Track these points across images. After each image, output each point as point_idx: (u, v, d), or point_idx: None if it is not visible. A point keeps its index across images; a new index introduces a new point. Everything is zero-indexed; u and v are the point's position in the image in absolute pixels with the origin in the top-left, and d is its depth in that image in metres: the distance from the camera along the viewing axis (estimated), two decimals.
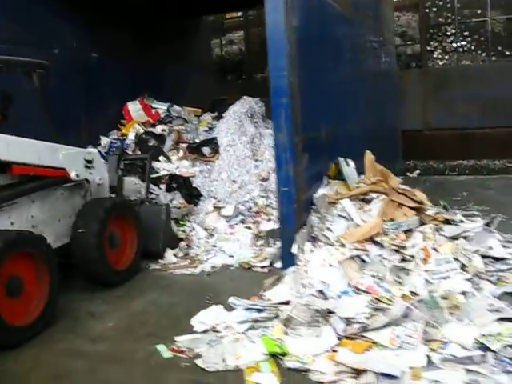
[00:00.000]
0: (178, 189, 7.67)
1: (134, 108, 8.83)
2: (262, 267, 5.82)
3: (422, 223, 5.37)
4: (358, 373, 3.60)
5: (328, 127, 5.84)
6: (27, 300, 4.60)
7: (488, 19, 12.82)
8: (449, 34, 13.16)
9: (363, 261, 4.83)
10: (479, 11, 12.88)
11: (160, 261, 6.40)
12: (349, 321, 4.07)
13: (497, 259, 5.33)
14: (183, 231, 6.98)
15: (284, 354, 3.89)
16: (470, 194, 9.18)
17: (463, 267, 4.92)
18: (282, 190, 5.04)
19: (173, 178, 7.77)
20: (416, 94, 12.95)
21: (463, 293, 4.59)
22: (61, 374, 3.97)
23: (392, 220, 5.15)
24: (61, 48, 7.82)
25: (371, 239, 4.98)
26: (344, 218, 5.28)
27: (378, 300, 4.25)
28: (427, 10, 13.29)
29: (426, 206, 5.57)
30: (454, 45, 13.16)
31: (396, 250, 4.89)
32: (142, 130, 8.52)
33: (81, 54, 8.29)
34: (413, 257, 4.89)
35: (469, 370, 3.56)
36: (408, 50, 13.69)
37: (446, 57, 13.27)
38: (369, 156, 6.06)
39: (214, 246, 6.66)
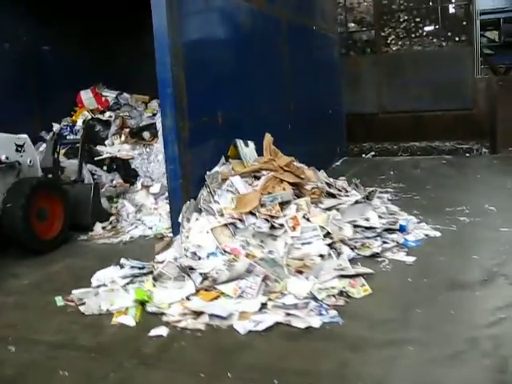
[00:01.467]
0: (117, 170, 8.64)
1: (86, 96, 9.78)
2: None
3: (300, 197, 6.25)
4: (197, 315, 4.54)
5: (227, 112, 6.72)
6: None
7: (438, 5, 13.52)
8: (401, 20, 13.88)
9: (237, 228, 5.72)
10: None
11: (89, 233, 7.35)
12: (205, 276, 4.99)
13: (368, 228, 6.25)
14: (116, 207, 7.92)
15: (149, 302, 4.83)
16: (398, 173, 10.06)
17: (328, 234, 5.81)
18: (169, 168, 5.99)
19: (113, 160, 8.72)
20: (371, 78, 13.77)
21: (321, 255, 5.51)
22: None
23: (270, 193, 6.03)
24: (12, 42, 8.76)
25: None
26: (232, 192, 6.18)
27: (235, 259, 5.16)
28: None
29: (306, 182, 6.43)
30: (406, 31, 13.87)
31: (267, 220, 5.77)
32: (89, 117, 9.45)
33: (32, 47, 9.22)
34: (282, 225, 5.78)
35: (288, 314, 4.47)
36: (364, 36, 14.42)
37: (400, 42, 14.00)
38: (267, 138, 6.95)
39: (139, 219, 7.58)
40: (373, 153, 13.60)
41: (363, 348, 3.93)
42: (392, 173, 10.17)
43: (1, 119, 7.26)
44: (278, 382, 3.52)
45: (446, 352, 3.75)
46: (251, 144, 6.94)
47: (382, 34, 14.03)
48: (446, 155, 12.50)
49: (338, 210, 6.31)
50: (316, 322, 4.34)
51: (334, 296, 4.75)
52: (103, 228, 7.49)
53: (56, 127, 9.40)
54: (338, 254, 5.61)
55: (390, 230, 6.29)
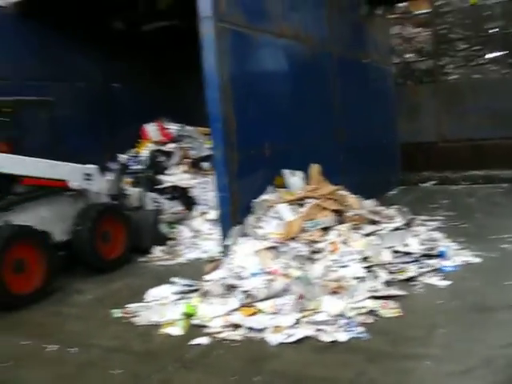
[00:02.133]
0: (178, 198, 9.40)
1: (151, 129, 10.66)
2: None
3: (341, 223, 6.71)
4: (236, 327, 5.09)
5: (275, 144, 7.31)
6: (29, 275, 6.40)
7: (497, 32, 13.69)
8: (460, 48, 14.12)
9: (279, 251, 6.25)
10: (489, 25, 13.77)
11: (148, 255, 8.08)
12: (247, 293, 5.54)
13: (407, 254, 6.62)
14: (174, 232, 8.63)
15: (194, 315, 5.42)
16: (451, 202, 10.30)
17: (366, 258, 6.24)
18: (219, 196, 6.61)
19: (175, 188, 9.49)
20: (430, 107, 14.04)
21: (357, 278, 5.94)
22: (40, 324, 5.76)
23: (312, 220, 6.54)
24: (85, 81, 9.81)
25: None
26: (277, 218, 6.73)
27: (273, 280, 5.68)
28: (438, 27, 14.30)
29: (348, 209, 6.89)
30: (465, 59, 14.07)
31: (308, 244, 6.28)
32: (153, 148, 10.31)
33: (103, 85, 10.24)
34: (322, 249, 6.27)
35: (318, 329, 4.94)
36: (422, 66, 14.71)
37: (458, 71, 14.21)
38: (314, 168, 7.48)
39: (195, 244, 8.25)
40: (432, 181, 13.74)
41: (382, 360, 4.34)
42: (445, 201, 10.41)
43: (74, 150, 8.18)
44: None
45: (461, 368, 4.10)
46: (299, 174, 7.49)
47: (440, 63, 14.30)
48: (505, 183, 12.53)
49: (377, 235, 6.70)
50: (343, 336, 4.79)
51: (363, 314, 5.17)
52: (162, 251, 8.19)
53: (122, 158, 10.28)
54: (375, 277, 6.01)
55: (428, 256, 6.62)
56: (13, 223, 6.62)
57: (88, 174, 7.65)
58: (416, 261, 6.47)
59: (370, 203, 8.30)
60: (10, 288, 6.16)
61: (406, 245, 6.78)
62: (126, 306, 5.91)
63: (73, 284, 7.08)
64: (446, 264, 6.50)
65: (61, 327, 5.69)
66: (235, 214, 6.57)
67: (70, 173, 7.40)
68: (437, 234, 7.58)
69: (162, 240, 8.37)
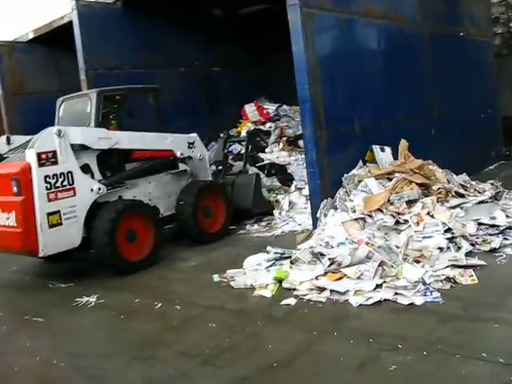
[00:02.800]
0: (275, 174, 10.04)
1: (250, 109, 11.37)
2: None
3: (427, 196, 7.04)
4: (321, 290, 5.64)
5: (364, 121, 7.72)
6: (140, 244, 7.30)
7: None
8: None
9: (366, 222, 6.71)
10: None
11: (247, 227, 8.79)
12: (333, 260, 6.07)
13: (492, 226, 6.84)
14: (275, 199, 9.34)
15: (284, 280, 6.04)
16: None
17: (449, 230, 6.55)
18: (308, 171, 7.15)
19: (272, 165, 10.13)
20: None
21: (439, 248, 6.29)
22: (149, 285, 6.64)
23: (398, 193, 6.92)
24: (186, 67, 10.63)
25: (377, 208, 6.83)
26: (365, 192, 7.18)
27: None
28: None
29: (434, 183, 7.18)
30: None
31: (393, 216, 6.68)
32: (252, 128, 11.00)
33: (203, 69, 11.04)
34: (406, 221, 6.65)
35: (396, 293, 5.39)
36: None
37: None
38: (402, 143, 7.82)
39: (291, 217, 8.85)
40: None
41: (453, 322, 4.73)
42: None
43: (178, 131, 8.99)
44: (372, 340, 4.49)
45: None
46: (387, 149, 7.85)
47: None
48: None
49: (463, 208, 6.96)
50: (419, 300, 5.20)
51: (441, 281, 5.54)
52: (258, 224, 8.87)
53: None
54: (457, 248, 6.32)
55: None
56: (125, 198, 7.54)
57: (191, 143, 8.45)
58: (501, 233, 6.65)
59: (461, 177, 8.51)
60: (124, 255, 7.07)
61: (493, 217, 6.97)
62: (224, 271, 6.62)
63: (178, 253, 7.94)
64: None
65: (167, 288, 6.54)
66: (325, 187, 7.09)
67: (176, 142, 8.26)
68: None
69: (264, 204, 9.06)
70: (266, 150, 10.56)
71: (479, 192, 7.85)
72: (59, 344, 5.42)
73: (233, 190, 9.03)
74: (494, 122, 12.20)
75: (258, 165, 10.22)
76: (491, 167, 11.96)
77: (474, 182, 8.68)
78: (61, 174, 6.69)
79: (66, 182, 6.73)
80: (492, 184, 8.50)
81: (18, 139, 7.55)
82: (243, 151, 10.06)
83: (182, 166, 8.49)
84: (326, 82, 7.07)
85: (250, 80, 11.43)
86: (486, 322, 4.65)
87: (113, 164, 7.64)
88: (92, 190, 7.05)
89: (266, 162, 10.29)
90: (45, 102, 8.66)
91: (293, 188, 9.60)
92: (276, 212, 9.16)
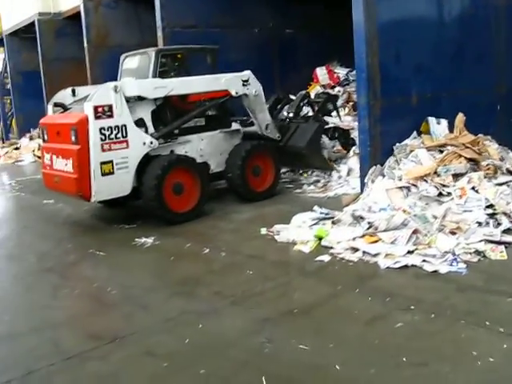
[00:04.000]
0: (338, 138, 10.39)
1: (320, 72, 11.69)
2: None
3: (476, 171, 7.25)
4: (355, 251, 6.10)
5: (422, 93, 7.92)
6: (187, 197, 7.96)
7: None
8: None
9: (410, 191, 7.05)
10: None
11: (303, 187, 9.30)
12: (371, 224, 6.49)
13: None
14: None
15: (324, 238, 6.53)
16: None
17: (492, 206, 6.77)
18: (360, 137, 7.51)
19: (336, 129, 10.47)
20: None
21: (478, 223, 6.55)
22: (201, 233, 7.34)
23: (445, 165, 7.18)
24: (260, 27, 11.06)
25: (423, 178, 7.13)
26: (415, 162, 7.47)
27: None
28: None
29: (484, 158, 7.36)
30: None
31: (437, 188, 6.98)
32: (321, 91, 11.33)
33: (276, 31, 11.42)
34: (450, 193, 6.93)
35: (424, 260, 5.77)
36: None
37: None
38: (459, 117, 7.97)
39: (346, 181, 9.26)
40: None
41: (470, 291, 5.08)
42: None
43: None
44: (389, 300, 4.94)
45: None
46: (444, 122, 8.05)
47: None
48: None
49: (508, 186, 7.12)
50: (444, 269, 5.56)
51: (470, 254, 5.85)
52: (315, 185, 9.35)
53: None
54: (498, 224, 6.54)
55: None
56: (176, 153, 8.22)
57: (245, 80, 8.85)
58: None
59: None
60: (170, 206, 7.76)
61: None
62: (272, 226, 7.17)
63: (233, 206, 8.61)
64: None
65: (216, 237, 7.20)
66: (375, 155, 7.44)
67: (230, 81, 8.69)
68: None
69: (321, 158, 9.51)
70: (332, 114, 10.86)
71: None
72: (115, 275, 6.21)
73: (294, 134, 9.41)
74: None
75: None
76: None
77: None
78: (115, 126, 7.40)
79: (119, 135, 7.44)
80: None
81: (82, 91, 8.26)
82: (310, 114, 10.50)
83: (234, 126, 9.02)
84: (384, 53, 7.33)
85: (324, 43, 11.72)
86: (500, 295, 4.96)
87: (167, 119, 8.25)
88: (144, 143, 7.73)
89: (330, 125, 10.62)
90: None
91: (351, 153, 9.94)
92: (334, 173, 9.54)
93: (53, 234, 8.20)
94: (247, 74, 8.97)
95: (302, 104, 10.23)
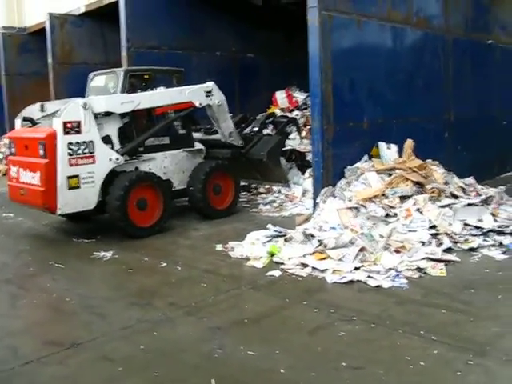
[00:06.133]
0: (295, 160, 10.88)
1: (280, 96, 12.21)
2: None
3: (422, 194, 7.77)
4: (304, 266, 6.51)
5: (374, 119, 8.47)
6: (150, 212, 8.30)
7: None
8: None
9: (359, 211, 7.51)
10: None
11: (259, 207, 9.71)
12: (320, 242, 6.91)
13: (477, 228, 7.54)
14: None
15: (276, 255, 6.92)
16: None
17: (435, 227, 7.28)
18: (314, 160, 7.98)
19: (292, 152, 10.96)
20: None
21: (422, 242, 7.04)
22: (159, 248, 7.63)
23: (393, 188, 7.68)
24: (222, 51, 11.53)
25: (372, 199, 7.61)
26: (364, 184, 7.96)
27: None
28: None
29: (429, 182, 7.90)
30: None
31: (385, 208, 7.46)
32: (279, 114, 11.84)
33: (238, 55, 11.92)
34: (396, 214, 7.42)
35: (369, 276, 6.20)
36: None
37: None
38: (408, 143, 8.54)
39: (301, 201, 9.70)
40: None
41: (408, 304, 5.52)
42: None
43: None
44: (333, 311, 5.35)
45: (469, 317, 5.15)
46: (393, 147, 8.59)
47: None
48: None
49: (452, 208, 7.66)
50: (386, 284, 6.01)
51: (412, 270, 6.32)
52: (271, 205, 9.77)
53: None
54: (440, 244, 7.05)
55: (500, 233, 7.46)
56: (140, 170, 8.59)
57: (208, 91, 9.26)
58: (484, 235, 7.35)
59: (467, 180, 9.20)
60: (133, 220, 8.09)
61: (481, 220, 7.66)
62: (227, 242, 7.54)
63: (192, 223, 8.95)
64: None
65: (174, 252, 7.54)
66: (327, 176, 7.92)
67: (194, 93, 9.09)
68: None
69: (280, 172, 9.98)
70: (290, 137, 11.36)
71: (480, 195, 8.50)
72: (73, 286, 6.45)
73: (257, 144, 9.92)
74: None
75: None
76: (509, 174, 12.48)
77: (479, 186, 9.35)
78: (83, 142, 7.72)
79: (86, 150, 7.77)
80: (498, 190, 9.16)
81: (51, 107, 8.56)
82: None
83: (197, 145, 9.42)
84: (338, 80, 7.85)
85: (283, 68, 12.28)
86: (435, 307, 5.42)
87: (133, 137, 8.59)
88: (110, 159, 8.06)
89: (287, 147, 11.10)
90: (89, 73, 9.66)
91: (307, 175, 10.41)
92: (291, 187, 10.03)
93: (12, 246, 8.39)
94: (210, 85, 9.38)
95: (266, 121, 10.72)
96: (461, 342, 4.62)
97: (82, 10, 14.10)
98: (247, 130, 10.70)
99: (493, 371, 4.18)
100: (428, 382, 4.07)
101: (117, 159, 8.11)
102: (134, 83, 8.86)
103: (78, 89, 9.77)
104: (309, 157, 10.98)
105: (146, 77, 9.00)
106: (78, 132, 7.71)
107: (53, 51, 13.74)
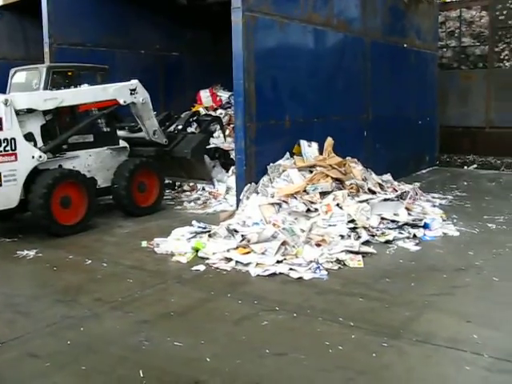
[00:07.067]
0: (219, 158, 11.07)
1: (204, 95, 12.39)
2: None
3: (341, 190, 8.15)
4: (228, 261, 6.71)
5: (295, 118, 8.79)
6: (74, 210, 8.29)
7: None
8: None
9: (281, 207, 7.79)
10: None
11: (184, 204, 9.85)
12: (244, 237, 7.13)
13: (393, 221, 7.98)
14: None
15: (201, 250, 7.08)
16: (470, 184, 11.46)
17: (354, 221, 7.66)
18: (237, 157, 8.21)
19: (217, 149, 11.16)
20: (480, 93, 14.89)
21: (341, 236, 7.39)
22: (84, 246, 7.63)
23: (313, 184, 8.01)
24: (146, 49, 11.58)
25: (293, 195, 7.91)
26: (286, 181, 8.25)
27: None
28: (498, 13, 14.99)
29: (348, 178, 8.29)
30: None
31: (306, 204, 7.78)
32: (203, 112, 12.01)
33: (163, 53, 12.01)
34: (317, 209, 7.75)
35: (291, 269, 6.48)
36: (477, 51, 15.47)
37: None
38: (328, 141, 8.91)
39: (225, 198, 9.91)
40: (475, 165, 14.69)
41: (327, 294, 5.83)
42: (465, 183, 11.55)
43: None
44: (256, 302, 5.58)
45: (385, 305, 5.52)
46: (314, 145, 8.94)
47: (496, 49, 15.02)
48: None
49: (369, 203, 8.07)
50: (307, 275, 6.30)
51: (332, 262, 6.65)
52: (195, 202, 9.93)
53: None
54: (358, 237, 7.43)
55: (414, 226, 7.94)
56: (63, 167, 8.54)
57: (133, 89, 9.30)
58: (399, 228, 7.80)
59: (385, 177, 9.69)
60: (57, 218, 8.05)
61: (396, 214, 8.11)
62: (152, 239, 7.64)
63: (117, 221, 8.99)
64: (427, 234, 7.80)
65: (99, 249, 7.56)
66: (250, 173, 8.16)
67: (118, 91, 9.10)
68: (433, 209, 8.86)
69: (204, 170, 10.15)
70: (214, 135, 11.55)
71: (396, 191, 8.99)
72: None
73: (181, 142, 10.06)
74: (432, 129, 13.42)
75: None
76: (424, 171, 13.20)
77: (396, 183, 9.88)
78: (4, 139, 7.62)
79: (8, 148, 7.66)
80: (413, 186, 9.71)
81: None
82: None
83: (122, 143, 9.47)
84: (260, 79, 8.11)
85: (208, 67, 12.46)
86: (353, 296, 5.75)
87: (56, 134, 8.53)
88: (33, 157, 7.98)
89: (212, 145, 11.29)
90: (9, 69, 9.48)
91: (230, 172, 10.63)
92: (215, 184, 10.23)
93: None
94: (135, 83, 9.41)
95: (191, 120, 10.86)
96: (376, 327, 4.96)
97: (0, 2, 13.67)
98: (171, 128, 10.78)
99: (405, 351, 4.53)
100: (346, 364, 4.34)
101: (40, 157, 8.04)
102: (57, 80, 8.78)
103: None
104: (233, 155, 11.19)
105: (69, 74, 8.95)
106: (0, 129, 7.59)
107: None
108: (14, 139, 7.74)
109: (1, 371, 4.40)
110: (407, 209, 8.31)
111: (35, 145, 8.17)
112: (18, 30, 13.64)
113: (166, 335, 4.87)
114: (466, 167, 14.64)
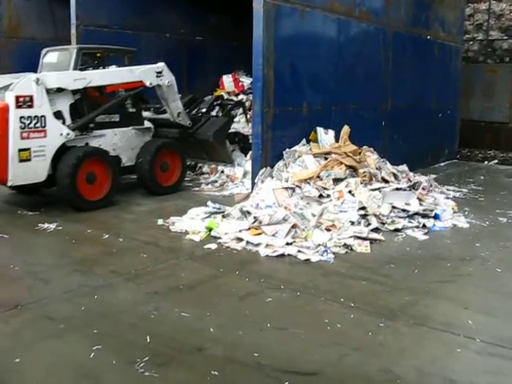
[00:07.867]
0: (238, 142, 11.35)
1: (226, 80, 12.65)
2: None
3: (354, 177, 8.37)
4: (239, 240, 7.00)
5: (313, 105, 9.01)
6: (98, 186, 8.64)
7: None
8: None
9: (294, 191, 8.05)
10: None
11: (202, 186, 10.16)
12: (256, 219, 7.41)
13: (404, 210, 8.18)
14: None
15: (214, 229, 7.38)
16: (487, 179, 11.57)
17: (365, 208, 7.89)
18: (254, 141, 8.47)
19: (236, 134, 11.44)
20: (505, 88, 14.89)
21: (351, 222, 7.63)
22: (102, 221, 7.98)
23: (327, 171, 8.25)
24: (171, 33, 11.87)
25: (307, 180, 8.16)
26: (301, 166, 8.50)
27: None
28: None
29: (362, 166, 8.50)
30: None
31: (318, 190, 8.02)
32: (225, 97, 12.28)
33: (187, 37, 12.29)
34: (329, 195, 7.99)
35: (299, 251, 6.74)
36: (504, 45, 15.45)
37: None
38: (344, 129, 9.12)
39: (242, 182, 10.19)
40: (496, 161, 14.73)
41: (332, 276, 6.09)
42: (482, 178, 11.66)
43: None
44: (263, 281, 5.86)
45: (386, 288, 5.76)
46: (331, 132, 9.16)
47: None
48: None
49: (382, 191, 8.28)
50: (315, 258, 6.56)
51: (339, 247, 6.90)
52: (212, 185, 10.25)
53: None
54: (368, 224, 7.66)
55: (424, 216, 8.12)
56: (90, 145, 8.93)
57: (159, 72, 9.62)
58: (409, 217, 8.00)
59: (400, 167, 9.88)
60: (82, 194, 8.43)
61: (408, 204, 8.31)
62: (168, 217, 7.96)
63: (136, 199, 9.33)
64: (437, 224, 7.99)
65: (117, 225, 7.90)
66: (266, 158, 8.42)
67: (145, 73, 9.43)
68: (446, 201, 9.03)
69: (225, 152, 10.42)
70: (235, 120, 11.82)
71: (410, 181, 9.17)
72: (18, 254, 6.79)
73: (204, 124, 10.36)
74: (452, 123, 13.50)
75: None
76: (442, 164, 13.31)
77: (411, 173, 10.05)
78: (35, 116, 7.99)
79: (38, 124, 8.04)
80: (428, 177, 9.90)
81: (1, 80, 8.75)
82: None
83: (147, 124, 9.80)
84: (279, 66, 8.33)
85: (231, 52, 12.71)
86: (357, 279, 6.00)
87: (84, 113, 8.90)
88: (61, 134, 8.36)
89: (232, 130, 11.56)
90: (37, 49, 9.83)
91: (248, 157, 10.89)
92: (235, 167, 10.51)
93: None
94: (161, 65, 9.71)
95: (215, 103, 11.15)
96: (376, 309, 5.20)
97: None
98: (195, 111, 11.09)
99: (400, 332, 4.77)
100: (342, 341, 4.60)
101: (68, 134, 8.41)
102: (86, 61, 9.15)
103: (25, 63, 9.95)
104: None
105: (98, 55, 9.29)
106: (31, 106, 7.95)
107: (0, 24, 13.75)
108: (44, 117, 8.11)
109: (18, 330, 4.74)
110: (419, 199, 8.47)
111: (64, 123, 8.53)
112: (47, 11, 14.01)
113: (174, 306, 5.17)
114: (486, 162, 14.69)
